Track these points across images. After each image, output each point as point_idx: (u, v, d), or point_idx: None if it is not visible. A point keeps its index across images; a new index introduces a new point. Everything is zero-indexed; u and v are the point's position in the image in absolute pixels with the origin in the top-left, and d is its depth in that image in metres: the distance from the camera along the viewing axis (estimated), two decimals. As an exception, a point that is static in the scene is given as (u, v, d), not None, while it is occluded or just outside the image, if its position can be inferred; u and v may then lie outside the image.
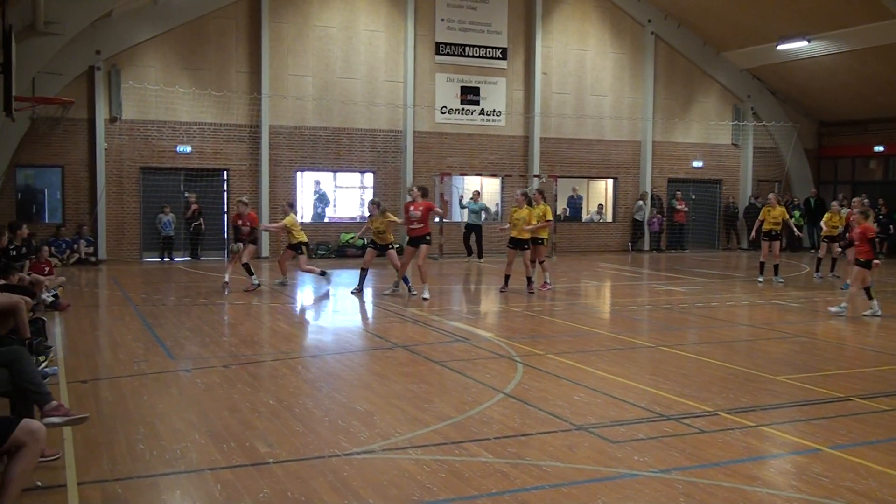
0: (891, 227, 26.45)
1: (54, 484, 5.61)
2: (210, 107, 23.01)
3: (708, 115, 29.33)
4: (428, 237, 15.71)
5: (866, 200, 19.02)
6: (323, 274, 17.32)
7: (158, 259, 22.64)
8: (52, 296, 13.37)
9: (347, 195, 25.83)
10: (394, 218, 16.95)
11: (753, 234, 19.19)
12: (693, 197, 29.18)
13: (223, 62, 23.23)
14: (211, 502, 5.36)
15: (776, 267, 18.57)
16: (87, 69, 21.70)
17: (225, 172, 23.69)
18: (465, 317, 13.61)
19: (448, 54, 25.69)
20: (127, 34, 22.05)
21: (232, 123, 23.37)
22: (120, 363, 9.51)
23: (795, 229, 20.99)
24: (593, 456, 6.33)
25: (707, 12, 27.05)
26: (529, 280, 16.33)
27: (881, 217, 26.70)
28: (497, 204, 27.55)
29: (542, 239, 17.05)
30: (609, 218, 28.95)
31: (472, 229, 23.73)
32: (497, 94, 26.37)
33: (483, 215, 24.19)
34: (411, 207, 15.53)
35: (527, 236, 16.27)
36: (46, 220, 22.68)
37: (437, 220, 22.00)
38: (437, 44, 25.55)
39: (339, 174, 25.33)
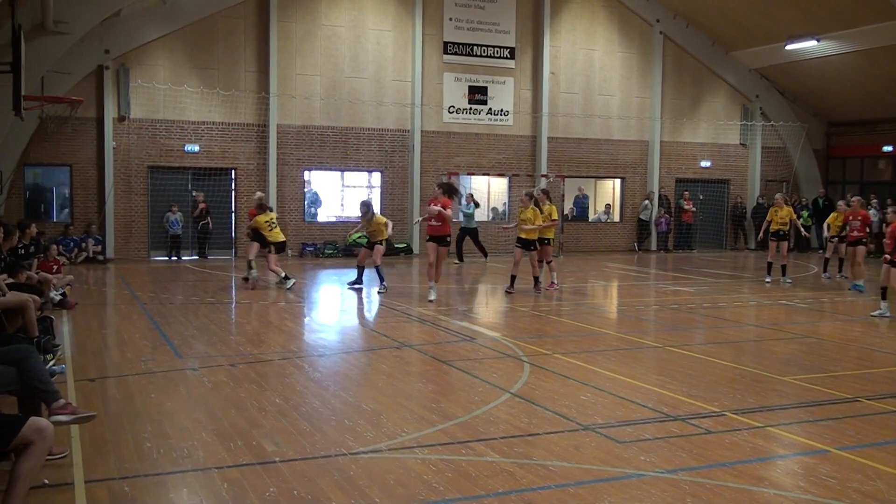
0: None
1: (62, 482, 5.62)
2: (218, 106, 23.05)
3: (716, 115, 29.26)
4: (447, 238, 15.30)
5: (857, 198, 18.83)
6: (286, 279, 16.76)
7: (166, 258, 22.71)
8: (60, 294, 13.41)
9: (355, 194, 25.81)
10: (384, 221, 17.05)
11: (762, 234, 19.10)
12: (701, 197, 29.12)
13: (231, 61, 23.27)
14: (218, 501, 5.36)
15: (784, 267, 18.53)
16: (95, 68, 21.76)
17: (233, 172, 23.73)
18: (471, 316, 13.59)
19: (456, 54, 25.68)
20: (135, 33, 22.11)
21: (240, 123, 23.41)
22: (127, 362, 9.54)
23: (803, 230, 20.95)
24: (600, 456, 6.32)
25: (716, 12, 26.98)
26: (536, 280, 16.31)
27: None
28: (504, 203, 27.54)
29: (549, 239, 17.02)
30: (616, 218, 28.92)
31: (466, 233, 22.87)
32: (505, 94, 26.36)
33: (474, 218, 23.10)
34: (431, 204, 15.40)
35: (534, 236, 16.23)
36: (55, 219, 22.77)
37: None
38: (445, 43, 25.55)
39: (346, 173, 25.33)
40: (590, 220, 29.01)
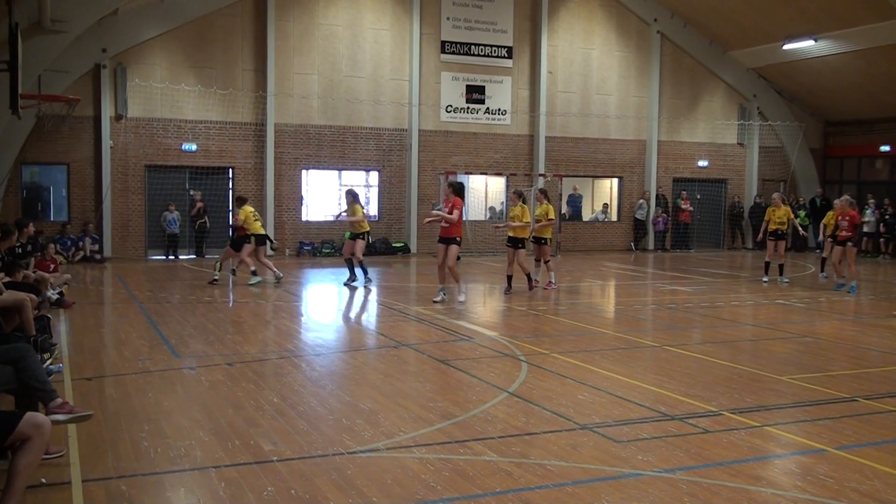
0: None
1: (59, 481, 5.61)
2: (215, 105, 23.03)
3: (714, 115, 29.29)
4: (457, 238, 14.73)
5: (844, 197, 18.78)
6: (253, 273, 17.09)
7: (163, 257, 22.69)
8: (57, 293, 13.39)
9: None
10: (361, 211, 17.31)
11: (761, 235, 19.03)
12: (698, 196, 29.15)
13: (229, 60, 23.25)
14: (215, 500, 5.36)
15: (781, 267, 18.54)
16: (92, 67, 21.76)
17: (230, 170, 23.73)
18: (469, 315, 13.58)
19: (453, 53, 25.69)
20: (133, 32, 22.09)
21: (237, 121, 23.40)
22: (125, 361, 9.53)
23: (800, 229, 20.95)
24: (597, 455, 6.32)
25: (713, 11, 27.00)
26: (529, 277, 16.20)
27: (887, 217, 26.67)
28: (502, 203, 27.54)
29: (546, 238, 16.98)
30: (614, 217, 28.93)
31: None
32: (502, 93, 26.37)
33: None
34: (444, 204, 15.26)
35: (521, 234, 16.04)
36: (52, 218, 22.75)
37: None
38: (443, 42, 25.55)
39: (344, 172, 25.32)
40: (584, 219, 29.02)
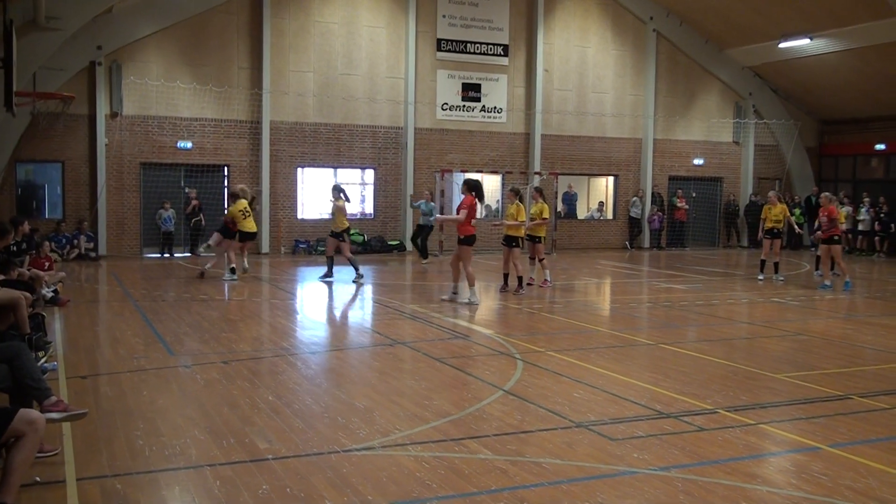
0: (892, 225, 26.44)
1: (53, 480, 5.60)
2: (211, 102, 23.00)
3: (709, 113, 29.32)
4: (463, 237, 14.39)
5: (824, 194, 18.74)
6: (232, 271, 17.24)
7: (158, 255, 22.65)
8: (52, 291, 13.36)
9: (348, 191, 25.71)
10: (339, 204, 17.43)
11: (760, 234, 19.00)
12: (694, 194, 29.18)
13: (224, 58, 23.21)
14: (210, 498, 5.35)
15: (776, 265, 18.55)
16: (87, 64, 21.70)
17: (225, 168, 23.69)
18: (464, 313, 13.59)
19: (449, 51, 25.67)
20: (128, 30, 22.04)
21: (233, 119, 23.36)
22: (119, 359, 9.51)
23: (796, 227, 20.95)
24: (593, 453, 6.32)
25: (709, 9, 27.01)
26: (520, 279, 15.89)
27: (882, 215, 26.72)
28: (497, 201, 27.56)
29: (540, 237, 16.98)
30: (609, 215, 28.95)
31: (422, 231, 22.64)
32: (498, 91, 26.36)
33: (432, 216, 22.45)
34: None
35: (516, 233, 15.96)
36: (46, 216, 22.67)
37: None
38: (439, 40, 25.53)
39: (339, 170, 25.28)
40: (580, 217, 29.03)
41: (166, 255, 22.57)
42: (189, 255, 22.54)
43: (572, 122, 27.37)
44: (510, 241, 15.86)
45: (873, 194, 27.57)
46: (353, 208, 25.55)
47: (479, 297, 14.35)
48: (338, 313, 14.28)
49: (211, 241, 18.06)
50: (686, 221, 28.89)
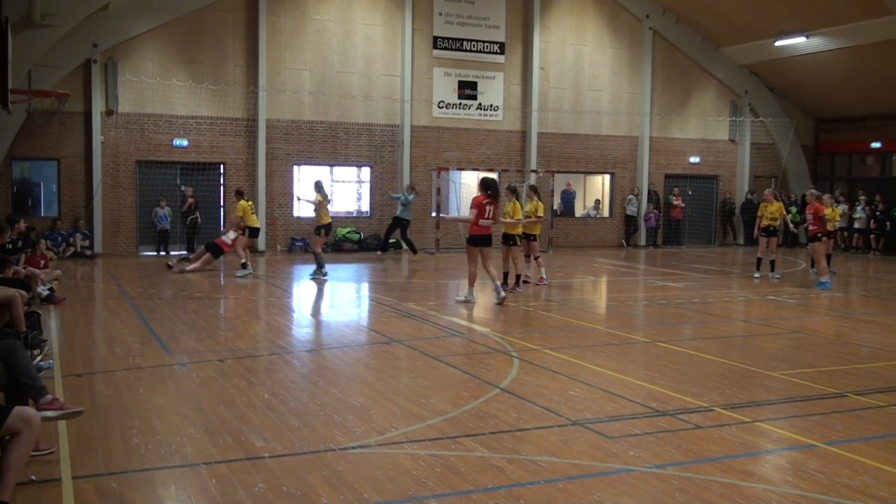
0: (887, 223, 26.49)
1: (49, 478, 5.59)
2: (207, 100, 22.96)
3: (705, 111, 29.33)
4: (471, 237, 14.19)
5: (810, 191, 18.70)
6: (244, 266, 17.76)
7: (154, 253, 22.61)
8: (48, 289, 13.34)
9: (344, 189, 25.77)
10: (319, 198, 17.69)
11: (756, 232, 19.00)
12: (690, 192, 29.19)
13: (220, 56, 23.18)
14: (206, 496, 5.34)
15: (773, 263, 18.56)
16: (83, 62, 21.65)
17: (221, 166, 23.66)
18: (460, 311, 13.59)
19: (445, 49, 25.65)
20: (124, 27, 22.00)
21: (229, 117, 23.33)
22: (115, 357, 9.49)
23: (791, 225, 20.98)
24: (589, 451, 6.32)
25: (705, 8, 27.02)
26: (518, 278, 15.91)
27: (878, 213, 26.76)
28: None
29: (535, 235, 16.98)
30: (606, 213, 28.96)
31: (398, 224, 22.62)
32: (494, 89, 26.35)
33: (404, 210, 22.63)
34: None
35: (513, 231, 15.89)
36: (42, 214, 22.63)
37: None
38: (435, 38, 25.52)
39: (335, 168, 25.26)
40: (576, 215, 29.04)
41: (162, 253, 22.53)
42: (185, 252, 22.47)
43: (568, 120, 27.37)
44: (508, 240, 15.83)
45: (869, 192, 27.62)
46: (350, 206, 25.73)
47: (475, 296, 14.33)
48: (334, 311, 14.26)
49: (190, 265, 18.56)
50: (682, 219, 28.92)
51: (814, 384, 8.58)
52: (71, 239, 21.49)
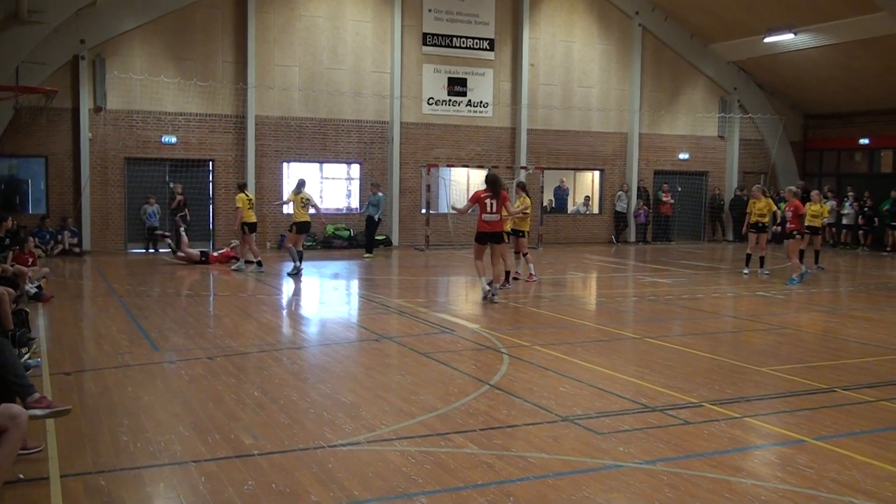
0: (875, 219, 26.60)
1: (37, 477, 5.57)
2: (195, 97, 22.88)
3: (694, 108, 29.39)
4: (484, 233, 14.08)
5: (790, 187, 18.71)
6: (248, 262, 18.35)
7: (143, 250, 22.53)
8: (36, 287, 13.29)
9: (334, 186, 25.75)
10: (294, 198, 17.93)
11: (745, 228, 19.03)
12: (679, 189, 29.25)
13: (209, 52, 23.09)
14: (195, 494, 5.33)
15: (762, 259, 18.63)
16: (71, 58, 21.54)
17: (210, 163, 23.58)
18: (450, 308, 13.59)
19: (435, 45, 25.62)
20: (112, 23, 21.89)
21: (218, 114, 23.25)
22: (104, 355, 9.46)
23: (779, 219, 20.99)
24: (579, 447, 6.33)
25: (694, 4, 27.06)
26: (507, 274, 15.84)
27: (866, 209, 26.87)
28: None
29: (524, 231, 16.97)
30: (595, 210, 28.99)
31: (372, 223, 22.37)
32: (484, 86, 26.34)
33: (379, 210, 22.39)
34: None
35: (504, 228, 15.78)
36: (30, 211, 22.52)
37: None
38: (425, 34, 25.48)
39: (325, 165, 25.22)
40: (568, 211, 29.07)
41: (151, 251, 22.46)
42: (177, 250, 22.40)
43: (558, 116, 27.38)
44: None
45: (857, 188, 27.72)
46: (339, 203, 25.70)
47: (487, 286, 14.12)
48: (324, 308, 14.24)
49: (178, 247, 19.50)
50: (671, 216, 28.97)
51: (802, 379, 8.61)
52: (59, 236, 21.39)
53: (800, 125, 31.22)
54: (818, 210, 19.74)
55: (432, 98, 25.70)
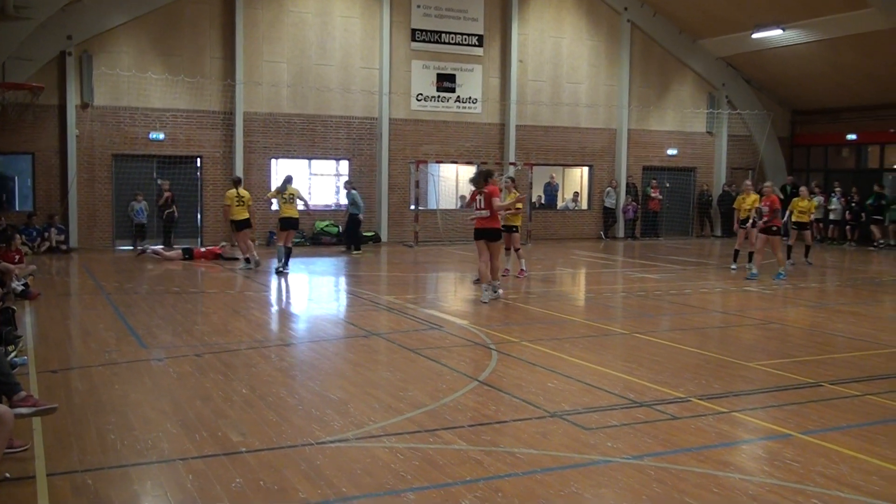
0: (862, 214, 26.72)
1: (23, 475, 5.54)
2: (183, 93, 22.78)
3: (683, 103, 29.44)
4: (477, 229, 13.71)
5: (768, 183, 18.69)
6: (248, 261, 18.09)
7: (131, 247, 22.42)
8: (23, 284, 13.22)
9: (323, 183, 25.69)
10: (275, 195, 17.95)
11: (736, 225, 19.02)
12: (667, 185, 29.32)
13: (197, 48, 22.99)
14: (182, 492, 5.31)
15: (750, 254, 18.64)
16: (57, 54, 21.42)
17: (198, 160, 23.50)
18: (438, 304, 13.59)
19: (424, 41, 25.58)
20: (99, 19, 21.77)
21: (205, 110, 23.16)
22: (91, 352, 9.42)
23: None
24: (567, 443, 6.34)
25: (683, 1, 27.10)
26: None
27: (853, 205, 26.99)
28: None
29: (516, 227, 16.97)
30: (584, 205, 29.03)
31: (354, 220, 22.30)
32: (473, 82, 26.32)
33: (353, 207, 22.24)
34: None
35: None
36: (17, 208, 22.40)
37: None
38: (413, 30, 25.44)
39: (314, 162, 25.16)
40: (558, 207, 29.10)
41: (139, 248, 22.34)
42: (161, 247, 22.29)
43: (547, 112, 27.39)
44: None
45: (844, 184, 27.84)
46: (328, 199, 25.64)
47: (498, 292, 13.79)
48: (312, 305, 14.21)
49: (158, 250, 19.65)
50: (660, 211, 29.03)
51: (789, 374, 8.64)
52: (46, 233, 21.26)
53: (787, 121, 31.32)
54: (806, 206, 19.82)
55: (421, 94, 25.67)
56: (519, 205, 16.36)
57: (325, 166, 25.48)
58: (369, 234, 24.76)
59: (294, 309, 13.85)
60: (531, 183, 26.50)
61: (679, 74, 29.34)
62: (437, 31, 25.69)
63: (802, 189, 20.69)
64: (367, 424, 6.71)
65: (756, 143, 30.28)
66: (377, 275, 18.49)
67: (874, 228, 26.13)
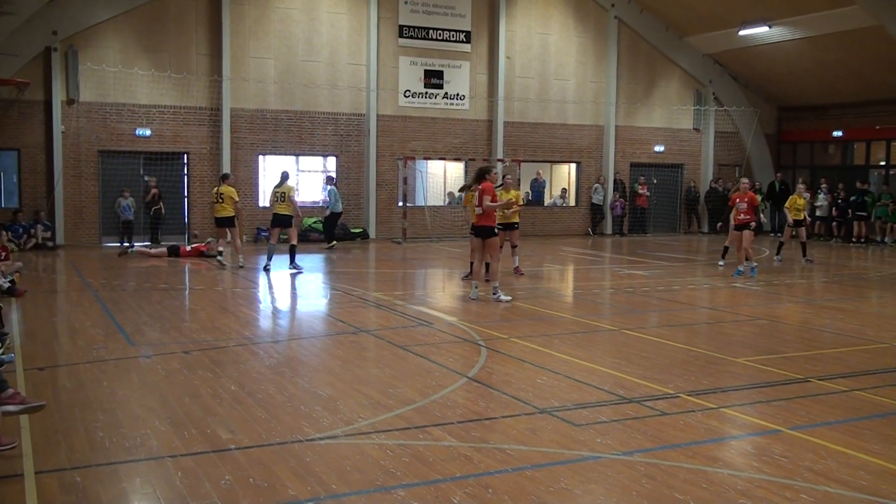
0: (848, 211, 26.85)
1: (11, 473, 5.51)
2: (170, 89, 22.68)
3: (670, 100, 29.52)
4: (474, 227, 13.62)
5: (744, 179, 18.73)
6: (220, 254, 18.16)
7: (118, 244, 22.31)
8: (9, 282, 13.15)
9: (310, 179, 25.62)
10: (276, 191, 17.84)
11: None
12: (655, 181, 29.39)
13: (183, 44, 22.88)
14: (171, 490, 5.29)
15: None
16: (43, 50, 21.27)
17: (185, 156, 23.40)
18: (428, 301, 13.58)
19: (411, 37, 25.55)
20: (84, 14, 21.64)
21: (192, 106, 23.06)
22: (78, 350, 9.37)
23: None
24: (556, 439, 6.35)
25: (670, -3, 27.20)
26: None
27: (840, 201, 27.12)
28: (460, 190, 27.50)
29: (517, 223, 16.94)
30: (572, 202, 29.07)
31: (337, 217, 22.75)
32: (461, 78, 26.30)
33: (330, 204, 22.56)
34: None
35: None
36: (2, 205, 22.27)
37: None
38: (401, 27, 25.40)
39: (301, 158, 25.09)
40: (545, 204, 29.13)
41: (126, 244, 22.24)
42: (148, 243, 22.21)
43: (534, 109, 27.40)
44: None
45: (831, 180, 27.97)
46: (315, 196, 25.58)
47: (503, 296, 13.45)
48: (301, 302, 14.18)
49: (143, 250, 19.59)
50: (647, 208, 29.13)
51: (778, 370, 8.68)
52: (32, 230, 21.13)
53: (774, 118, 31.44)
54: (802, 203, 19.88)
55: (409, 90, 25.64)
56: (515, 206, 16.14)
57: (313, 163, 25.42)
58: (357, 230, 24.72)
59: (282, 306, 13.81)
60: (519, 179, 26.49)
61: (666, 71, 29.41)
62: (424, 28, 25.66)
63: (801, 185, 20.77)
64: (357, 421, 6.70)
65: (743, 140, 30.39)
66: (365, 271, 18.47)
67: (856, 225, 26.33)
